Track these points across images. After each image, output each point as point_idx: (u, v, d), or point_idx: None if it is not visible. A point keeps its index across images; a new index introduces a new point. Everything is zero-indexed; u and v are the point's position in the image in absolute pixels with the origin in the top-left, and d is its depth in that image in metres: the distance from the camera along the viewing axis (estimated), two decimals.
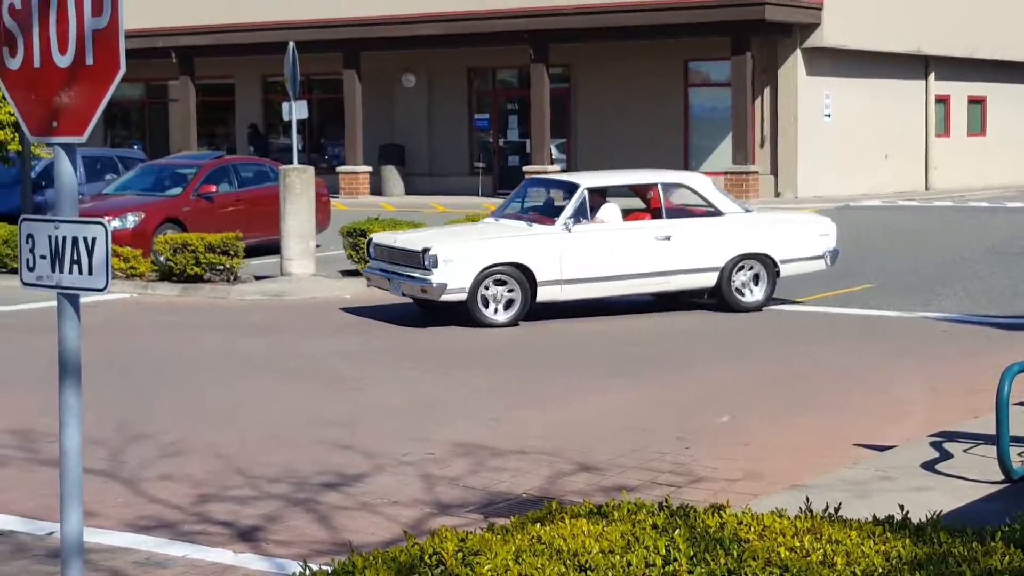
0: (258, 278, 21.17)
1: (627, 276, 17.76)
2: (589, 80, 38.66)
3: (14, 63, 5.66)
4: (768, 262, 18.10)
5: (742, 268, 18.05)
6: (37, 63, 5.57)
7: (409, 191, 40.04)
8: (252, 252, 22.25)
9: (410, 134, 40.92)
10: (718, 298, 18.13)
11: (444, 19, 36.64)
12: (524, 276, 17.16)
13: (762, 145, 36.37)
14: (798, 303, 18.47)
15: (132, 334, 16.68)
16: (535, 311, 17.11)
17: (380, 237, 18.47)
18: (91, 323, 12.88)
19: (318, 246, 22.01)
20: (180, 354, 15.44)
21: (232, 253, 20.72)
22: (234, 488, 9.36)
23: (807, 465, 9.73)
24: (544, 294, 17.35)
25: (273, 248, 22.60)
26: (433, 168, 40.52)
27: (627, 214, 18.46)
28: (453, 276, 16.79)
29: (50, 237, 5.53)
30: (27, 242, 5.66)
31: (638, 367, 14.18)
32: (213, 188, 25.13)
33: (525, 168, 36.80)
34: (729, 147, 35.13)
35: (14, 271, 22.11)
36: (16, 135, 24.12)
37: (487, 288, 17.03)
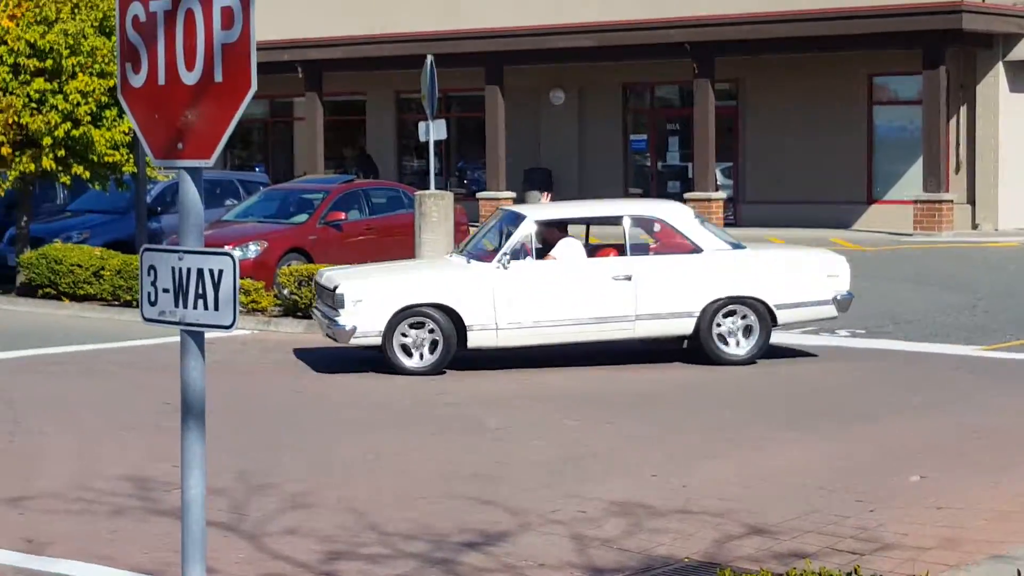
0: None
1: (577, 321, 17.13)
2: (759, 97, 38.39)
3: (137, 80, 5.76)
4: (759, 307, 17.22)
5: (731, 314, 17.18)
6: (162, 80, 5.65)
7: None
8: None
9: (558, 157, 40.93)
10: (697, 348, 17.36)
11: (597, 30, 36.61)
12: (449, 319, 16.81)
13: (957, 171, 35.73)
14: (994, 349, 18.11)
15: (253, 375, 16.91)
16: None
17: (318, 273, 18.42)
18: (208, 362, 13.02)
19: None
20: (305, 397, 15.63)
21: None
22: (366, 545, 9.42)
23: (1011, 531, 9.53)
24: (475, 339, 16.92)
25: None
26: (583, 194, 40.37)
27: (598, 250, 18.13)
28: (363, 319, 16.57)
29: (173, 269, 5.63)
30: (149, 274, 5.77)
31: (810, 420, 14.02)
32: (342, 215, 25.42)
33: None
34: (919, 173, 34.46)
35: (128, 304, 22.65)
36: (131, 156, 24.69)
37: (404, 335, 16.78)
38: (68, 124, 23.89)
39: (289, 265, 22.20)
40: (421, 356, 16.81)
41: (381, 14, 39.74)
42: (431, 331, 16.79)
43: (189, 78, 5.56)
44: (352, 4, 40.71)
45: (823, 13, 33.89)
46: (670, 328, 17.34)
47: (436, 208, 21.51)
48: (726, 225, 35.47)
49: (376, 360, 16.90)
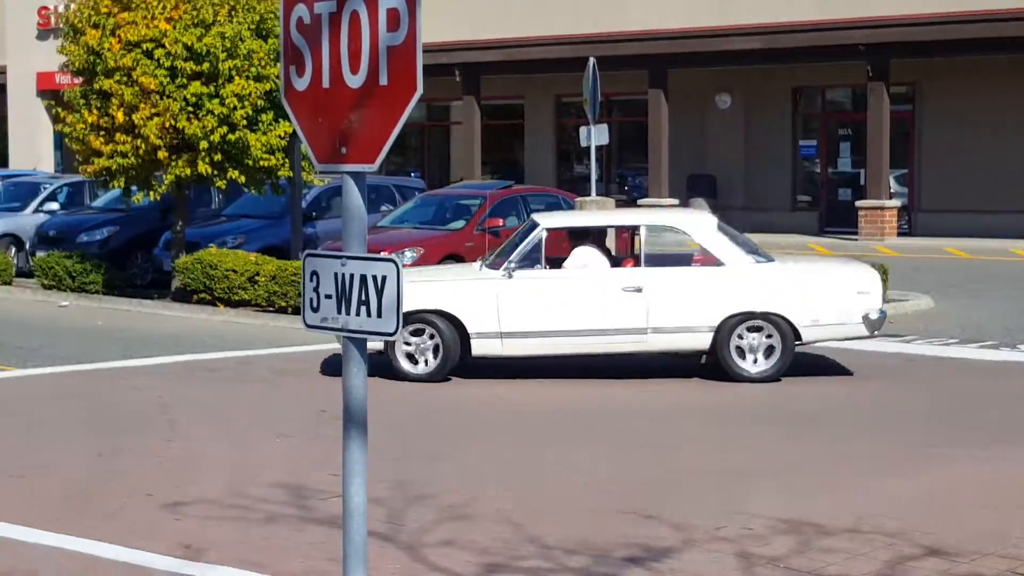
0: None
1: (584, 332, 17.12)
2: (937, 101, 37.85)
3: (301, 83, 5.84)
4: (782, 324, 16.94)
5: (754, 329, 16.95)
6: (326, 83, 5.72)
7: None
8: None
9: (723, 162, 40.74)
10: (716, 364, 17.18)
11: (765, 31, 36.38)
12: (452, 326, 17.04)
13: None
14: None
15: (400, 384, 17.01)
16: None
17: None
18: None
19: None
20: (462, 407, 15.76)
21: None
22: (525, 559, 9.48)
23: None
24: (479, 347, 17.12)
25: None
26: (749, 201, 40.18)
27: (621, 261, 18.09)
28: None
29: (336, 275, 5.70)
30: (311, 280, 5.86)
31: (988, 435, 13.83)
32: (500, 222, 25.47)
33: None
34: None
35: (282, 310, 23.02)
36: (286, 161, 25.02)
37: (407, 342, 17.12)
38: (224, 128, 24.27)
39: None
40: (426, 362, 17.14)
41: (541, 16, 39.77)
42: (431, 337, 17.09)
43: (354, 81, 5.59)
44: (511, 6, 40.78)
45: (1013, 13, 33.14)
46: (686, 342, 17.21)
47: None
48: (900, 235, 35.17)
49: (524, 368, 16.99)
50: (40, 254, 28.21)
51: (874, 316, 16.95)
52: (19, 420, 14.87)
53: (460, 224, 25.53)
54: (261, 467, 12.48)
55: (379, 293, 5.53)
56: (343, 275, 5.67)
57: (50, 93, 43.38)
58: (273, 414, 15.28)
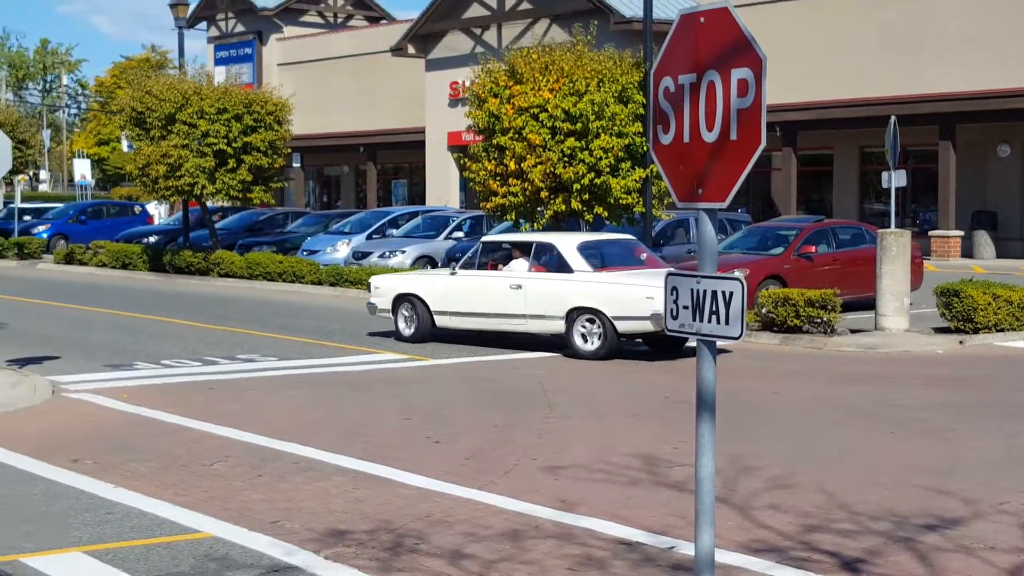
0: (853, 331, 20.96)
1: (490, 315, 19.67)
2: None
3: (666, 138, 5.91)
4: (602, 317, 18.40)
5: (591, 321, 18.58)
6: (686, 138, 5.76)
7: (1000, 255, 38.40)
8: (847, 308, 22.08)
9: (1003, 201, 39.23)
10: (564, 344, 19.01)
11: None
12: (423, 305, 20.29)
13: None
14: None
15: (736, 377, 16.92)
16: None
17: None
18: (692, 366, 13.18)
19: (911, 304, 21.52)
20: (782, 397, 15.56)
21: (829, 308, 20.65)
22: (837, 522, 9.33)
23: None
24: (439, 320, 20.38)
25: (867, 305, 22.41)
26: None
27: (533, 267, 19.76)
28: (380, 300, 21.01)
29: (692, 290, 5.74)
30: (671, 293, 5.92)
31: None
32: (812, 249, 25.18)
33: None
34: None
35: None
36: (640, 199, 25.21)
37: (405, 311, 20.63)
38: (592, 174, 24.59)
39: (767, 289, 22.12)
40: (410, 328, 20.59)
41: (849, 82, 39.11)
42: (412, 309, 20.46)
43: (709, 136, 5.61)
44: (823, 73, 40.21)
45: None
46: (548, 327, 19.19)
47: (896, 244, 20.98)
48: None
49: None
50: None
51: (655, 313, 17.68)
52: (436, 398, 15.31)
53: (779, 250, 25.25)
54: (620, 440, 12.58)
55: (727, 305, 5.54)
56: (698, 290, 5.70)
57: (457, 148, 44.66)
58: (628, 398, 15.38)
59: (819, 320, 20.72)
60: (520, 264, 19.77)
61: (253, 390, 15.84)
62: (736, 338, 5.53)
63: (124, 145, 46.23)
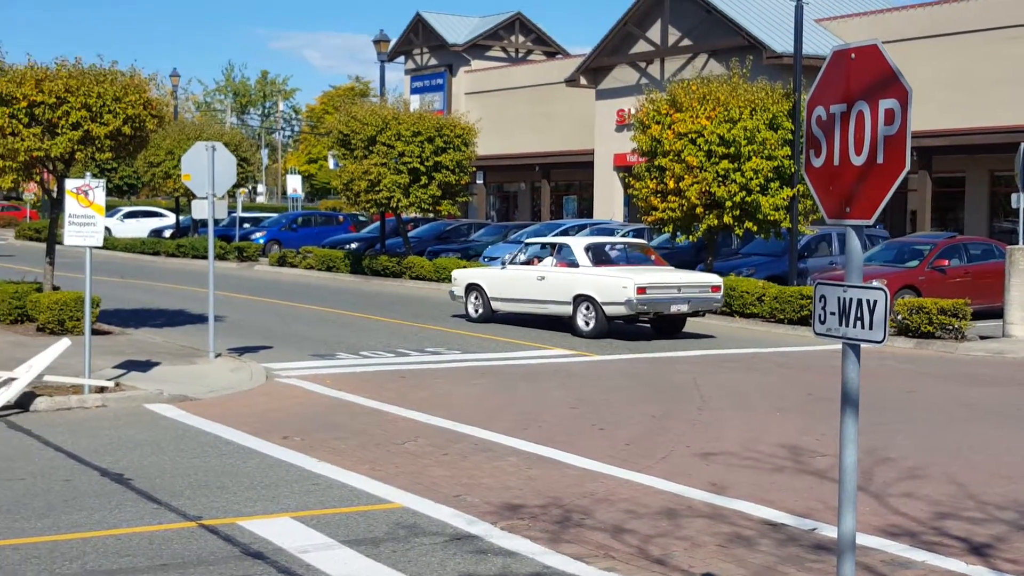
0: (982, 338, 20.38)
1: (524, 300, 21.79)
2: None
3: (817, 162, 5.82)
4: (594, 302, 20.32)
5: (588, 307, 20.48)
6: (836, 162, 5.66)
7: None
8: (976, 316, 21.49)
9: None
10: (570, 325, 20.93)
11: None
12: (483, 293, 22.59)
13: None
14: None
15: (875, 377, 16.54)
16: None
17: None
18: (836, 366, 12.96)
19: None
20: (916, 396, 15.18)
21: (960, 316, 20.11)
22: (966, 510, 9.08)
23: None
24: (496, 305, 22.64)
25: (995, 314, 21.78)
26: None
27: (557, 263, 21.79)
28: (457, 288, 23.44)
29: (839, 298, 5.63)
30: (820, 301, 5.80)
31: None
32: (945, 262, 24.57)
33: None
34: None
35: (780, 321, 22.83)
36: (787, 216, 24.83)
37: (472, 297, 22.98)
38: (743, 193, 24.33)
39: (903, 298, 21.60)
40: (476, 311, 22.84)
41: (980, 111, 37.92)
42: (478, 297, 22.79)
43: (857, 160, 5.52)
44: (957, 103, 39.07)
45: None
46: (561, 310, 21.13)
47: (1023, 259, 20.33)
48: None
49: None
50: None
51: (628, 300, 19.91)
52: (600, 390, 15.32)
53: (915, 263, 24.68)
54: (766, 431, 12.43)
55: (871, 312, 5.42)
56: (844, 298, 5.59)
57: (622, 168, 44.57)
58: (774, 394, 15.18)
59: (951, 327, 20.18)
60: (548, 260, 21.83)
61: (440, 379, 16.06)
62: (879, 342, 5.41)
63: (330, 163, 47.30)
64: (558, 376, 16.48)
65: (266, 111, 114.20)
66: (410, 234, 38.69)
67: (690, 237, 25.87)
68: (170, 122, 25.66)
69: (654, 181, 25.44)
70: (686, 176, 24.58)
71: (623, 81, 46.85)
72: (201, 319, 21.12)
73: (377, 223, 41.09)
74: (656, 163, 25.30)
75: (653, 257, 22.36)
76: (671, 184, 24.89)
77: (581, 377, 16.41)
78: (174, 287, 30.89)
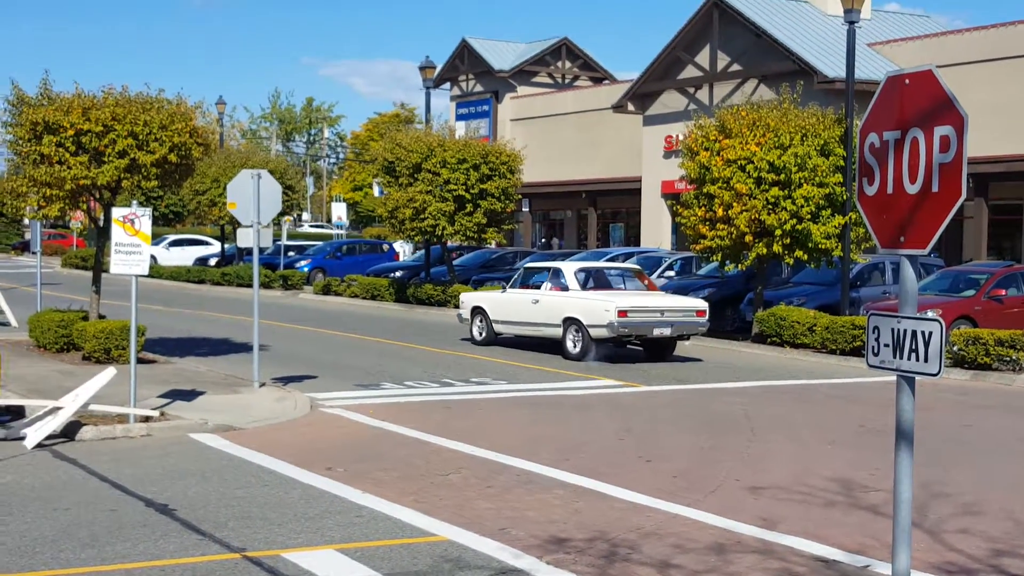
0: None
1: (521, 323, 22.71)
2: None
3: (871, 190, 5.79)
4: (580, 325, 21.22)
5: (576, 331, 21.27)
6: (890, 190, 5.63)
7: None
8: None
9: None
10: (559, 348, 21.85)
11: None
12: (486, 315, 23.62)
13: None
14: None
15: (929, 410, 16.36)
16: None
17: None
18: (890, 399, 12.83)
19: None
20: (972, 429, 14.98)
21: (1019, 347, 19.86)
22: None
23: None
24: (498, 328, 23.60)
25: None
26: None
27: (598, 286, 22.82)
28: (464, 311, 24.37)
29: (893, 329, 5.59)
30: (873, 332, 5.76)
31: None
32: (1003, 292, 24.26)
33: None
34: None
35: (831, 351, 22.62)
36: (839, 244, 24.64)
37: (477, 320, 23.91)
38: (793, 220, 24.15)
39: (959, 328, 21.36)
40: (480, 333, 23.81)
41: None
42: (482, 320, 23.70)
43: (911, 188, 5.48)
44: (1013, 129, 38.70)
45: None
46: (552, 332, 22.00)
47: None
48: None
49: None
50: None
51: (609, 323, 20.77)
52: (647, 421, 15.24)
53: (971, 292, 24.40)
54: (817, 464, 12.30)
55: (926, 344, 5.37)
56: (899, 330, 5.54)
57: (670, 195, 44.47)
58: (825, 426, 15.03)
59: (1008, 358, 19.93)
60: (545, 284, 22.64)
61: (484, 409, 16.04)
62: (934, 375, 5.36)
63: (375, 190, 47.57)
64: (604, 406, 16.41)
65: (311, 138, 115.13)
66: (455, 262, 38.77)
67: (739, 266, 25.72)
68: (216, 150, 25.90)
69: (702, 209, 25.33)
70: (735, 204, 24.47)
71: (671, 107, 46.82)
72: (245, 348, 21.24)
73: (421, 251, 41.22)
74: (704, 190, 25.19)
75: (646, 282, 23.38)
76: (720, 212, 24.78)
77: (627, 408, 16.33)
78: (219, 315, 31.11)
